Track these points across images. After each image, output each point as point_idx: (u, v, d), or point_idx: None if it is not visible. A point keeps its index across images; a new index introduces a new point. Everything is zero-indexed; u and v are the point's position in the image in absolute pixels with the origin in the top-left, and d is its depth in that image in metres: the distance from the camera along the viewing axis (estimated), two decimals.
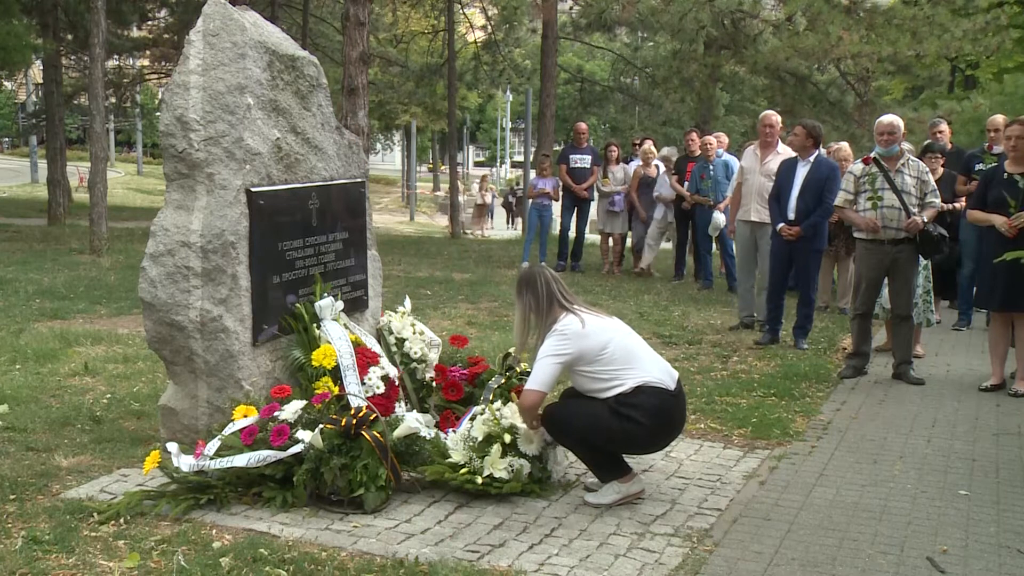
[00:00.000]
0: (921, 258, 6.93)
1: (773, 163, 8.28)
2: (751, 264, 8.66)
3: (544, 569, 3.49)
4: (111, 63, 23.44)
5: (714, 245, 11.43)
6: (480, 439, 4.24)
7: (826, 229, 8.00)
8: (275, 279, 4.53)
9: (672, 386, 4.15)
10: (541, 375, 4.08)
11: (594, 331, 4.11)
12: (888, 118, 6.86)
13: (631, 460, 4.32)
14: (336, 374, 4.38)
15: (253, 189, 4.38)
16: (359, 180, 5.21)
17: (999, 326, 6.66)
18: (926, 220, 6.59)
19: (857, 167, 6.92)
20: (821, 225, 7.77)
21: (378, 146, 53.89)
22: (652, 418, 4.05)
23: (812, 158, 7.72)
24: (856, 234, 7.02)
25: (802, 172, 7.70)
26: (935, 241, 6.59)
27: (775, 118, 8.61)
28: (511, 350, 4.68)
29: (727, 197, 10.04)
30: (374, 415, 4.06)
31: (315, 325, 4.58)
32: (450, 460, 4.25)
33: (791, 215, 7.70)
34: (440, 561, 3.47)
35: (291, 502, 3.94)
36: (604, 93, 26.69)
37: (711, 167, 10.95)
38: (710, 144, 11.17)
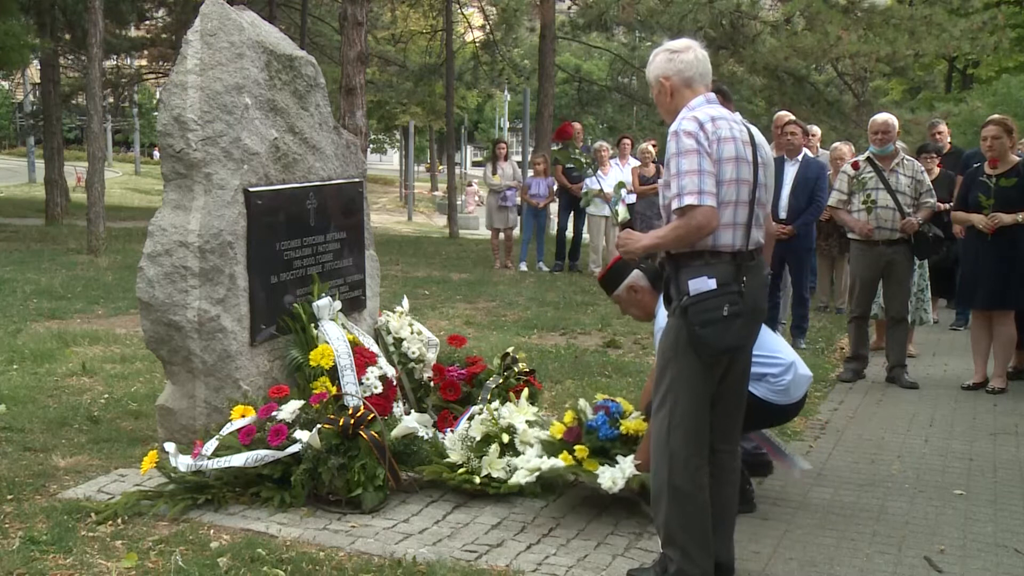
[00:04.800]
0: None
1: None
2: None
3: (542, 569, 3.49)
4: (109, 63, 23.44)
5: None
6: (478, 439, 4.24)
7: (814, 227, 8.03)
8: (273, 279, 4.53)
9: None
10: None
11: None
12: (882, 117, 6.85)
13: None
14: (334, 374, 4.38)
15: (251, 189, 4.38)
16: (357, 180, 5.21)
17: (979, 325, 6.73)
18: (921, 220, 6.59)
19: (851, 168, 6.92)
20: (811, 223, 7.82)
21: (386, 147, 54.00)
22: None
23: (800, 157, 7.72)
24: (850, 235, 7.02)
25: (791, 171, 7.69)
26: (930, 241, 6.59)
27: (790, 118, 8.57)
28: (509, 349, 4.67)
29: None
30: (372, 415, 4.06)
31: (313, 325, 4.57)
32: (448, 460, 4.25)
33: (782, 214, 7.69)
34: (438, 561, 3.47)
35: (289, 502, 3.94)
36: (602, 93, 26.67)
37: None
38: None
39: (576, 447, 3.96)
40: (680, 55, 3.32)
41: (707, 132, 3.17)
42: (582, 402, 4.24)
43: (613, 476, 3.86)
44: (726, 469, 3.43)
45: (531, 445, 4.23)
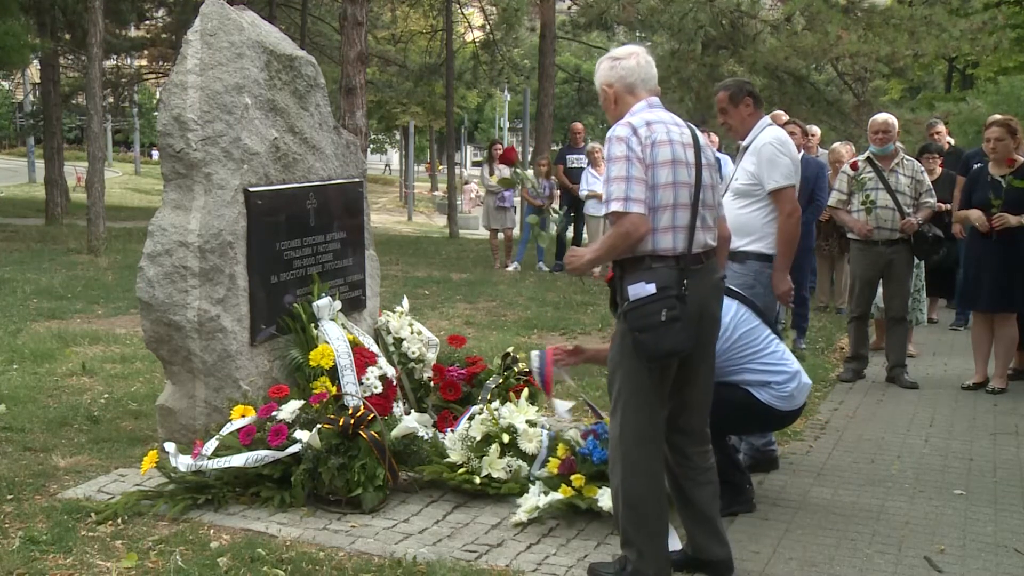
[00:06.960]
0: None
1: None
2: None
3: (542, 569, 3.49)
4: (109, 63, 23.43)
5: None
6: (478, 439, 4.24)
7: (814, 227, 8.01)
8: (273, 279, 4.53)
9: None
10: None
11: None
12: (882, 116, 6.84)
13: None
14: (334, 374, 4.38)
15: (251, 189, 4.38)
16: (357, 180, 5.21)
17: (981, 325, 6.72)
18: (921, 220, 6.58)
19: (850, 168, 6.91)
20: (811, 223, 7.79)
21: (386, 147, 54.13)
22: None
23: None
24: (849, 235, 7.01)
25: None
26: (930, 242, 6.58)
27: (785, 118, 8.56)
28: (509, 349, 4.67)
29: None
30: (372, 415, 4.06)
31: (313, 325, 4.58)
32: (448, 460, 4.25)
33: None
34: (438, 561, 3.47)
35: (289, 502, 3.94)
36: None
37: None
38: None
39: (573, 477, 3.97)
40: (622, 62, 3.33)
41: (640, 136, 3.15)
42: (571, 432, 4.26)
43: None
44: (700, 469, 3.46)
45: (531, 442, 4.24)
